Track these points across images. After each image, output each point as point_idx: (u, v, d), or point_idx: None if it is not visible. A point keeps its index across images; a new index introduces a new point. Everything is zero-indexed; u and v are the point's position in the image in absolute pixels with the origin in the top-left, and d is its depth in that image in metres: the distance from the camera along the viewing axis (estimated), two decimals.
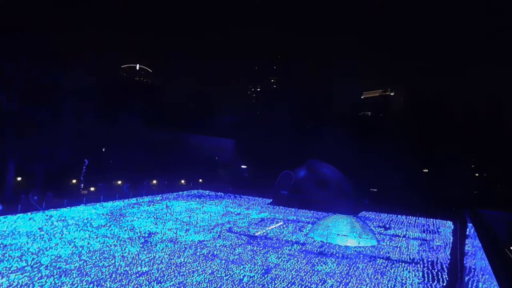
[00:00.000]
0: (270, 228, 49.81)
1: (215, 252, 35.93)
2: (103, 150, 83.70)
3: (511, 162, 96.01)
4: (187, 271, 29.91)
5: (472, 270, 32.20)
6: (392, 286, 30.53)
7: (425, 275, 34.11)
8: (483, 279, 25.31)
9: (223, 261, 33.29)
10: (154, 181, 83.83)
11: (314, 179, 74.02)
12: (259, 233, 46.13)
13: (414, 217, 66.67)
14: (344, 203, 67.13)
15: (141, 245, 36.46)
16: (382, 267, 35.49)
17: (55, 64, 61.32)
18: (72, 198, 55.84)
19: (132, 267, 29.92)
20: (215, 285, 27.45)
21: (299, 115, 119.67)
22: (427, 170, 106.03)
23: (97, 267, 29.28)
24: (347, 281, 30.78)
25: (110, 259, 31.48)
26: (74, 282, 25.88)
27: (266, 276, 30.39)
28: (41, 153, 57.13)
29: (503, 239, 47.25)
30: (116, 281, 26.78)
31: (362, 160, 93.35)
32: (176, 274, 29.14)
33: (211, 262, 32.82)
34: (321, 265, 34.46)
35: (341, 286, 29.50)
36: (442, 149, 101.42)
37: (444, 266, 37.46)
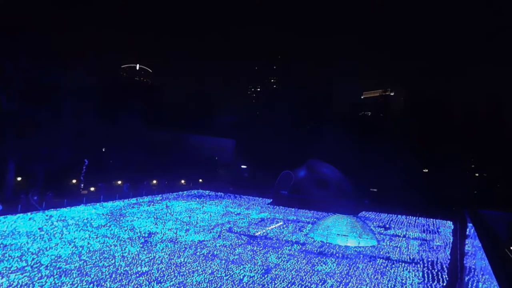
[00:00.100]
0: (270, 228, 49.81)
1: (215, 252, 35.94)
2: (103, 150, 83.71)
3: (511, 162, 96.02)
4: (187, 271, 29.91)
5: (472, 270, 32.21)
6: (392, 286, 30.53)
7: (425, 275, 34.11)
8: (483, 279, 25.31)
9: (223, 261, 33.29)
10: (154, 181, 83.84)
11: (314, 179, 74.03)
12: (259, 233, 46.13)
13: (414, 217, 66.68)
14: (344, 203, 67.13)
15: (141, 245, 36.46)
16: (382, 267, 35.49)
17: (55, 64, 61.30)
18: (72, 198, 55.85)
19: (132, 267, 29.93)
20: (215, 285, 27.45)
21: (299, 115, 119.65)
22: (427, 170, 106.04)
23: (97, 267, 29.28)
24: (347, 281, 30.78)
25: (110, 259, 31.48)
26: (74, 282, 25.88)
27: (266, 276, 30.39)
28: (41, 153, 57.13)
29: (503, 239, 47.24)
30: (116, 281, 26.78)
31: (362, 160, 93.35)
32: (176, 274, 29.14)
33: (211, 262, 32.82)
34: (321, 265, 34.46)
35: (341, 286, 29.50)
36: (442, 149, 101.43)
37: (444, 266, 37.46)
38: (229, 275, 29.74)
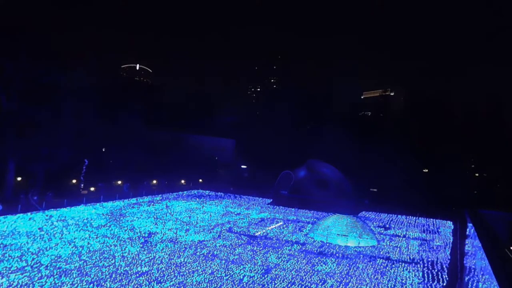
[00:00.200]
0: (270, 228, 49.81)
1: (215, 252, 35.94)
2: (103, 150, 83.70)
3: (511, 162, 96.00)
4: (187, 271, 29.91)
5: (472, 270, 32.21)
6: (392, 286, 30.53)
7: (425, 275, 34.12)
8: (483, 279, 25.31)
9: (223, 261, 33.29)
10: (154, 181, 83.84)
11: (314, 179, 74.02)
12: (259, 233, 46.14)
13: (414, 217, 66.67)
14: (344, 203, 67.14)
15: (141, 245, 36.47)
16: (382, 267, 35.49)
17: (55, 64, 61.31)
18: (72, 198, 55.85)
19: (132, 267, 29.93)
20: (215, 285, 27.45)
21: (299, 115, 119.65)
22: (427, 170, 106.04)
23: (97, 267, 29.28)
24: (347, 281, 30.78)
25: (110, 259, 31.48)
26: (74, 282, 25.88)
27: (266, 276, 30.39)
28: (41, 153, 57.14)
29: (503, 239, 47.23)
30: (116, 281, 26.78)
31: (362, 160, 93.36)
32: (176, 274, 29.14)
33: (211, 262, 32.82)
34: (321, 265, 34.46)
35: (341, 286, 29.50)
36: (442, 149, 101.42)
37: (444, 266, 37.46)
38: (229, 275, 29.74)
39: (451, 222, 63.92)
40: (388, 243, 45.55)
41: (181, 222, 48.59)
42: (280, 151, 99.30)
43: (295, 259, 35.88)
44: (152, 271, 29.46)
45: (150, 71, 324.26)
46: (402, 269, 35.19)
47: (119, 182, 75.29)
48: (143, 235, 40.66)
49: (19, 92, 55.35)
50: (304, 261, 35.30)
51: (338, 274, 32.28)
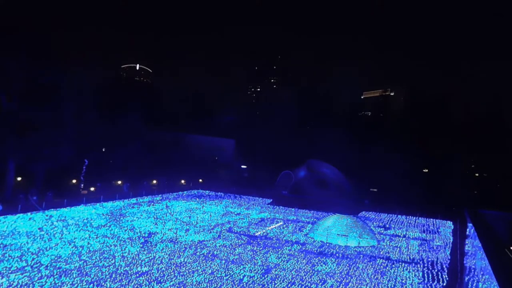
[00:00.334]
0: (270, 228, 49.81)
1: (215, 252, 35.94)
2: (103, 150, 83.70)
3: (511, 162, 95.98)
4: (187, 271, 29.92)
5: (472, 270, 32.19)
6: (392, 286, 30.53)
7: (425, 275, 34.12)
8: (483, 279, 25.31)
9: (223, 261, 33.30)
10: (154, 181, 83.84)
11: (314, 179, 74.09)
12: (259, 233, 46.14)
13: (414, 217, 66.66)
14: (344, 203, 67.17)
15: (141, 245, 36.47)
16: (382, 267, 35.49)
17: (55, 64, 61.33)
18: (72, 198, 55.87)
19: (132, 267, 29.93)
20: (215, 285, 27.46)
21: (299, 115, 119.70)
22: (427, 170, 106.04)
23: (97, 267, 29.29)
24: (347, 281, 30.78)
25: (110, 259, 31.49)
26: (74, 282, 25.90)
27: (266, 276, 30.39)
28: (41, 153, 57.13)
29: (503, 239, 47.21)
30: (116, 281, 26.79)
31: (362, 160, 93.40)
32: (176, 274, 29.14)
33: (211, 262, 32.82)
34: (321, 265, 34.46)
35: (341, 286, 29.50)
36: (442, 149, 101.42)
37: (444, 266, 37.46)
38: (229, 275, 29.74)
39: (451, 222, 63.91)
40: (388, 243, 45.54)
41: (181, 222, 48.59)
42: (280, 151, 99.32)
43: (295, 259, 35.89)
44: (152, 271, 29.47)
45: (150, 71, 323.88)
46: (402, 269, 35.19)
47: (119, 182, 75.30)
48: (143, 235, 40.67)
49: (19, 92, 55.35)
50: (304, 261, 35.30)
51: (338, 274, 32.29)
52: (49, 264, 29.07)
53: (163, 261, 32.15)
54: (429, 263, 38.21)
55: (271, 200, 75.40)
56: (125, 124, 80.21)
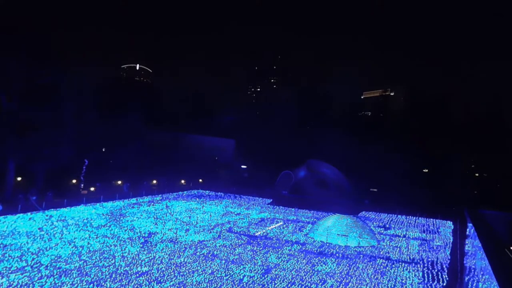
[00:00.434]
0: (270, 228, 49.81)
1: (215, 252, 35.94)
2: (103, 150, 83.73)
3: (511, 162, 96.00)
4: (187, 271, 29.92)
5: (472, 270, 32.19)
6: (392, 286, 30.53)
7: (425, 275, 34.11)
8: (483, 279, 25.31)
9: (223, 261, 33.30)
10: (154, 181, 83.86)
11: (314, 179, 74.10)
12: (259, 233, 46.14)
13: (414, 217, 66.67)
14: (344, 203, 67.18)
15: (141, 245, 36.47)
16: (382, 267, 35.49)
17: (55, 64, 61.37)
18: (72, 198, 55.88)
19: (132, 267, 29.93)
20: (215, 285, 27.46)
21: (299, 115, 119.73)
22: (427, 170, 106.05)
23: (97, 267, 29.28)
24: (347, 281, 30.78)
25: (110, 259, 31.49)
26: (74, 282, 25.89)
27: (266, 276, 30.39)
28: (41, 153, 57.17)
29: (503, 239, 47.20)
30: (116, 281, 26.79)
31: (362, 160, 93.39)
32: (176, 274, 29.14)
33: (211, 262, 32.82)
34: (321, 265, 34.46)
35: (341, 286, 29.50)
36: (442, 149, 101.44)
37: (444, 266, 37.46)
38: (229, 275, 29.74)
39: (451, 222, 63.91)
40: (388, 243, 45.54)
41: (181, 222, 48.59)
42: (280, 151, 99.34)
43: (295, 259, 35.88)
44: (152, 271, 29.47)
45: (150, 71, 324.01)
46: (402, 269, 35.18)
47: (119, 182, 75.30)
48: (143, 235, 40.67)
49: (19, 92, 55.37)
50: (304, 261, 35.30)
51: (338, 274, 32.29)
52: (49, 264, 29.07)
53: (163, 261, 32.15)
54: (429, 263, 38.20)
55: (271, 200, 75.39)
56: (125, 124, 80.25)
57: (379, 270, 34.43)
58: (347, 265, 35.30)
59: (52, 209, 49.36)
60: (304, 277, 30.79)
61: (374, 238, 45.33)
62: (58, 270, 27.95)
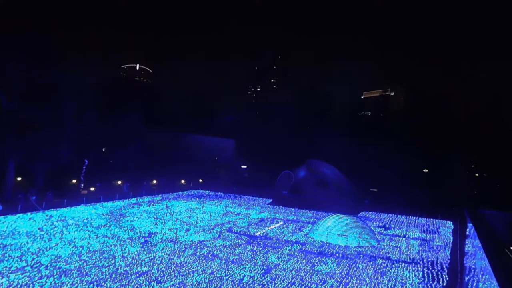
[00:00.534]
0: (270, 228, 49.81)
1: (215, 252, 35.94)
2: (103, 150, 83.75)
3: (511, 162, 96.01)
4: (187, 271, 29.92)
5: (472, 270, 32.19)
6: (392, 286, 30.53)
7: (425, 275, 34.12)
8: (483, 279, 25.31)
9: (223, 261, 33.30)
10: (154, 181, 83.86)
11: (314, 179, 74.09)
12: (259, 233, 46.14)
13: (414, 217, 66.67)
14: (344, 203, 67.18)
15: (141, 245, 36.47)
16: (382, 267, 35.49)
17: (55, 64, 61.39)
18: (72, 198, 55.88)
19: (132, 267, 29.93)
20: (215, 285, 27.46)
21: (299, 115, 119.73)
22: (427, 170, 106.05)
23: (97, 267, 29.28)
24: (347, 281, 30.78)
25: (110, 259, 31.49)
26: (74, 282, 25.89)
27: (266, 276, 30.39)
28: (41, 153, 57.19)
29: (503, 239, 47.20)
30: (116, 281, 26.79)
31: (362, 160, 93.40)
32: (176, 274, 29.14)
33: (211, 262, 32.82)
34: (321, 265, 34.46)
35: (341, 286, 29.50)
36: (442, 149, 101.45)
37: (444, 266, 37.46)
38: (229, 275, 29.74)
39: (451, 222, 63.92)
40: (388, 243, 45.54)
41: (181, 222, 48.59)
42: (280, 151, 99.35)
43: (295, 259, 35.88)
44: (152, 271, 29.47)
45: (150, 71, 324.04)
46: (402, 269, 35.18)
47: (119, 182, 75.31)
48: (143, 235, 40.67)
49: (19, 92, 55.38)
50: (304, 261, 35.30)
51: (338, 274, 32.29)
52: (49, 264, 29.08)
53: (163, 261, 32.15)
54: (429, 263, 38.20)
55: (271, 200, 75.39)
56: (125, 124, 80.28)
57: (379, 270, 34.44)
58: (347, 265, 35.30)
59: (52, 209, 49.36)
60: (304, 277, 30.79)
61: (374, 238, 45.33)
62: (58, 270, 27.95)
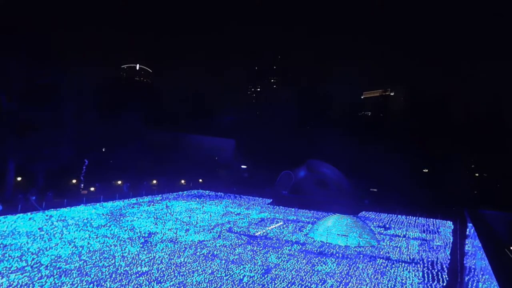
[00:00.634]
0: (270, 228, 49.81)
1: (215, 252, 35.94)
2: (103, 150, 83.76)
3: (511, 162, 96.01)
4: (187, 271, 29.92)
5: (472, 270, 32.19)
6: (392, 286, 30.53)
7: (425, 275, 34.11)
8: (483, 279, 25.31)
9: (223, 261, 33.30)
10: (154, 181, 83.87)
11: (314, 179, 74.08)
12: (259, 233, 46.14)
13: (414, 217, 66.67)
14: (344, 203, 67.16)
15: (141, 245, 36.48)
16: (382, 267, 35.49)
17: (55, 64, 61.39)
18: (72, 198, 55.88)
19: (132, 267, 29.93)
20: (215, 285, 27.46)
21: (299, 115, 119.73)
22: (427, 170, 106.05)
23: (97, 267, 29.29)
24: (347, 281, 30.78)
25: (110, 259, 31.49)
26: (74, 282, 25.89)
27: (266, 276, 30.40)
28: (41, 153, 57.20)
29: (503, 239, 47.19)
30: (116, 281, 26.79)
31: (362, 160, 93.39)
32: (176, 274, 29.14)
33: (211, 262, 32.82)
34: (321, 265, 34.46)
35: (341, 286, 29.50)
36: (442, 149, 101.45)
37: (444, 266, 37.45)
38: (229, 275, 29.74)
39: (451, 222, 63.91)
40: (388, 243, 45.54)
41: (181, 222, 48.60)
42: (280, 151, 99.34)
43: (295, 259, 35.88)
44: (152, 271, 29.47)
45: (150, 71, 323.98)
46: (402, 269, 35.18)
47: (119, 182, 75.31)
48: (143, 235, 40.67)
49: (19, 92, 55.38)
50: (304, 261, 35.30)
51: (338, 274, 32.29)
52: (49, 264, 29.08)
53: (163, 261, 32.15)
54: (429, 263, 38.20)
55: (271, 200, 75.39)
56: (125, 124, 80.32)
57: (379, 270, 34.44)
58: (347, 265, 35.30)
59: (52, 209, 49.37)
60: (304, 277, 30.80)
61: (374, 238, 45.33)
62: (58, 270, 27.96)
